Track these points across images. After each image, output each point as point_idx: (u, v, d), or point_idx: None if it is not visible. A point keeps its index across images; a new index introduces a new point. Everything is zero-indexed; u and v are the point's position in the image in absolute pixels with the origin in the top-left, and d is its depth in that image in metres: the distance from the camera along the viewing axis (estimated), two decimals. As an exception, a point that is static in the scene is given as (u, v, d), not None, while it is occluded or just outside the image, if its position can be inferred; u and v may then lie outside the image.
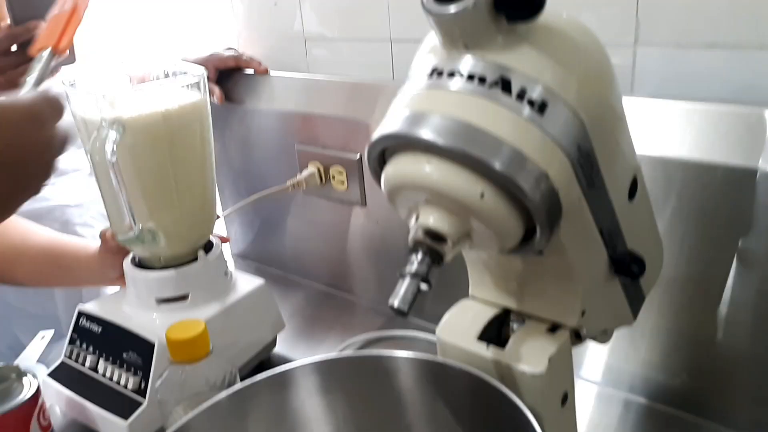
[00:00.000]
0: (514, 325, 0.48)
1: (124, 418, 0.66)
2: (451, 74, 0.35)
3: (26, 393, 0.62)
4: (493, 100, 0.35)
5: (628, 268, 0.44)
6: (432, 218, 0.37)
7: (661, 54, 0.68)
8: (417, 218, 0.38)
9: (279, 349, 0.84)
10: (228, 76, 0.99)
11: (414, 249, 0.39)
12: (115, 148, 0.61)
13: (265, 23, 1.01)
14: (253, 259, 1.10)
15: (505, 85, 0.35)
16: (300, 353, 0.84)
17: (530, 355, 0.44)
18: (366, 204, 0.90)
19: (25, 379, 0.64)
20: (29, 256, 0.81)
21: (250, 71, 0.99)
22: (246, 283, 0.79)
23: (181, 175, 0.69)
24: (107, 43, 1.13)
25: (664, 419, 0.70)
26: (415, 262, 0.39)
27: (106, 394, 0.69)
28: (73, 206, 1.04)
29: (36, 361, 0.82)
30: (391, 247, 0.90)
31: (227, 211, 0.89)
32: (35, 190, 0.45)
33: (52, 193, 1.03)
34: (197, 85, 0.68)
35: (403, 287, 0.38)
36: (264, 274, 1.02)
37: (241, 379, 0.50)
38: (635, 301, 0.51)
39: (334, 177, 0.90)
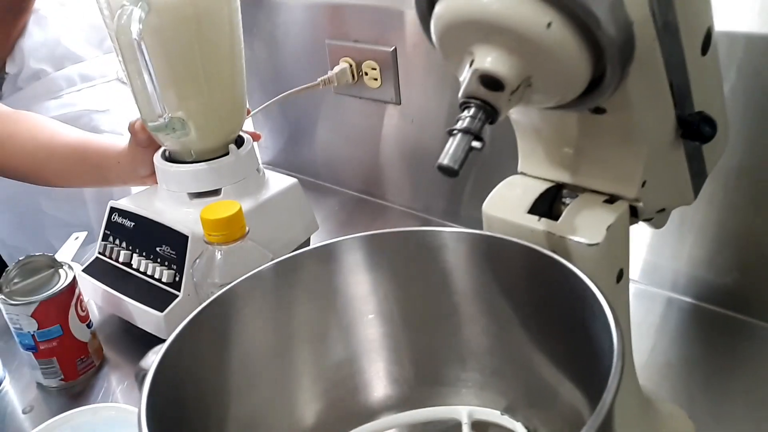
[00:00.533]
0: (567, 200, 0.45)
1: (160, 310, 0.65)
2: None
3: (64, 281, 0.62)
4: None
5: (698, 130, 0.40)
6: (489, 59, 0.33)
7: None
8: (471, 64, 0.34)
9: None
10: (255, -30, 0.94)
11: (465, 104, 0.36)
12: (140, 28, 0.58)
13: None
14: (283, 166, 1.08)
15: None
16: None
17: (586, 225, 0.41)
18: (400, 102, 0.86)
19: (61, 270, 0.63)
20: (59, 155, 0.79)
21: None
22: (279, 181, 0.76)
23: (209, 61, 0.65)
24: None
25: (709, 318, 0.67)
26: (467, 117, 0.35)
27: (140, 287, 0.68)
28: (101, 112, 1.02)
29: (71, 260, 0.82)
30: (427, 147, 0.87)
31: (257, 109, 0.86)
32: None
33: (79, 99, 1.01)
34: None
35: (454, 144, 0.35)
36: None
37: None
38: (697, 176, 0.47)
39: (366, 73, 0.86)
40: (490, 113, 0.35)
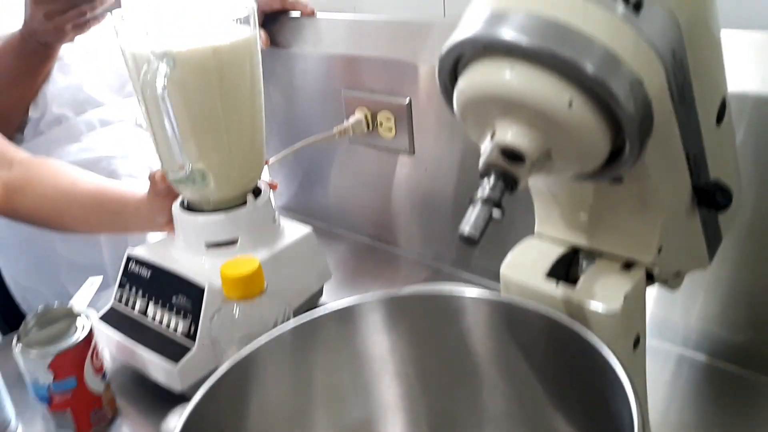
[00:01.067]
0: (584, 264, 0.45)
1: (175, 361, 0.65)
2: (537, -29, 0.32)
3: (80, 333, 0.62)
4: (586, -2, 0.31)
5: (713, 198, 0.41)
6: (510, 133, 0.34)
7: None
8: (492, 136, 0.35)
9: (325, 299, 0.82)
10: (273, 19, 0.97)
11: (486, 173, 0.36)
12: (165, 82, 0.59)
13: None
14: (296, 210, 1.09)
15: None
16: (347, 303, 0.83)
17: (604, 292, 0.41)
18: (414, 152, 0.87)
19: (78, 320, 0.64)
20: (79, 202, 0.80)
21: (296, 14, 0.96)
22: (293, 230, 0.77)
23: (230, 113, 0.67)
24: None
25: (722, 376, 0.67)
26: (487, 186, 0.36)
27: (156, 338, 0.69)
28: (119, 157, 1.04)
29: (86, 306, 0.83)
30: (440, 197, 0.87)
31: (274, 158, 0.88)
32: None
33: (97, 143, 1.03)
34: (247, 19, 0.65)
35: (474, 213, 0.36)
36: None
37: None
38: (713, 241, 0.48)
39: (381, 123, 0.88)
40: (510, 183, 0.36)
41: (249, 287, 0.54)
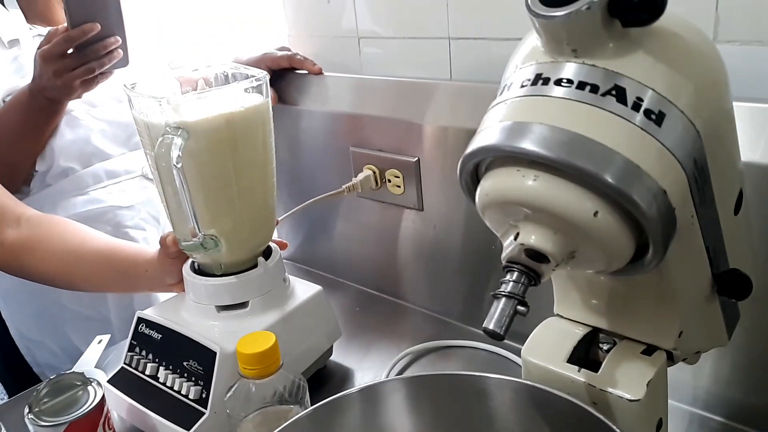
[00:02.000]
0: (604, 346, 0.46)
1: (187, 429, 0.65)
2: (558, 82, 0.33)
3: (92, 400, 0.62)
4: (604, 109, 0.32)
5: (733, 288, 0.41)
6: (534, 237, 0.35)
7: (741, 51, 0.64)
8: (516, 236, 0.36)
9: (334, 357, 0.82)
10: (281, 77, 0.98)
11: (508, 267, 0.37)
12: (180, 154, 0.60)
13: (318, 21, 1.00)
14: (302, 262, 1.09)
15: (620, 93, 0.32)
16: (356, 362, 0.83)
17: (627, 379, 0.42)
18: (423, 208, 0.88)
19: (89, 387, 0.63)
20: (87, 261, 0.80)
21: (303, 71, 0.97)
22: (304, 289, 0.77)
23: (243, 180, 0.67)
24: (157, 45, 1.12)
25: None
26: (511, 282, 0.36)
27: (167, 403, 0.68)
28: (125, 208, 1.04)
29: (94, 365, 0.82)
30: (449, 253, 0.88)
31: (282, 217, 0.88)
32: None
33: (104, 195, 1.03)
34: (259, 88, 0.66)
35: (499, 309, 0.36)
36: (313, 277, 1.01)
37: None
38: (731, 320, 0.48)
39: (389, 180, 0.88)
40: (532, 278, 0.37)
41: (265, 364, 0.53)
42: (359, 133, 0.91)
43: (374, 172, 0.89)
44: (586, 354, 0.46)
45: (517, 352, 0.79)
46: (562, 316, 0.47)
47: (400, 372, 0.80)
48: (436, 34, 0.86)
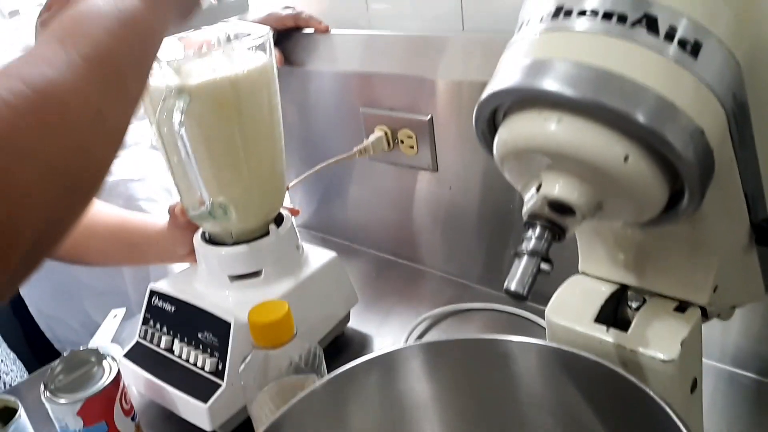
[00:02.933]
0: (633, 304, 0.43)
1: (204, 401, 0.63)
2: (582, 13, 0.30)
3: (108, 376, 0.61)
4: (634, 41, 0.29)
5: (775, 236, 0.38)
6: (558, 186, 0.32)
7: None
8: (539, 188, 0.33)
9: (351, 324, 0.81)
10: (286, 37, 0.94)
11: (530, 223, 0.34)
12: (182, 118, 0.58)
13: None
14: (316, 228, 1.07)
15: (651, 22, 0.29)
16: (374, 328, 0.81)
17: (659, 338, 0.39)
18: (437, 169, 0.85)
19: (105, 363, 0.62)
20: (99, 236, 0.79)
21: (309, 30, 0.94)
22: (318, 256, 0.75)
23: (250, 144, 0.65)
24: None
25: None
26: (533, 238, 0.34)
27: (183, 375, 0.67)
28: (136, 180, 1.02)
29: (110, 341, 0.81)
30: (465, 215, 0.85)
31: (293, 183, 0.86)
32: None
33: (114, 167, 1.01)
34: (263, 46, 0.63)
35: (521, 267, 0.33)
36: (328, 244, 0.99)
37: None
38: (768, 272, 0.45)
39: (402, 141, 0.85)
40: (557, 233, 0.34)
41: (278, 334, 0.52)
42: (369, 93, 0.88)
43: (386, 133, 0.86)
44: (614, 313, 0.43)
45: (540, 314, 0.78)
46: (587, 274, 0.45)
47: (420, 337, 0.78)
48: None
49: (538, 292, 0.79)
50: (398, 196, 0.92)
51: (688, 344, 0.39)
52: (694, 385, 0.41)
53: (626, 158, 0.29)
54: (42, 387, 0.60)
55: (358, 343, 0.79)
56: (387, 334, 0.80)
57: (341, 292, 0.78)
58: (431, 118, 0.81)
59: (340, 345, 0.78)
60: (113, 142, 0.37)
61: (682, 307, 0.41)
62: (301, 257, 0.74)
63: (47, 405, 0.60)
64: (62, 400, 0.58)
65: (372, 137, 0.86)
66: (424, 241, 0.93)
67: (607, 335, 0.40)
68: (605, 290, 0.43)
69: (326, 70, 0.92)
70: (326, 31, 0.92)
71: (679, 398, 0.39)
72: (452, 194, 0.86)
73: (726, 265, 0.39)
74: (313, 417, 0.41)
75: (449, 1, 0.81)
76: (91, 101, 0.33)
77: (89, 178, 0.35)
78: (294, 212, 0.76)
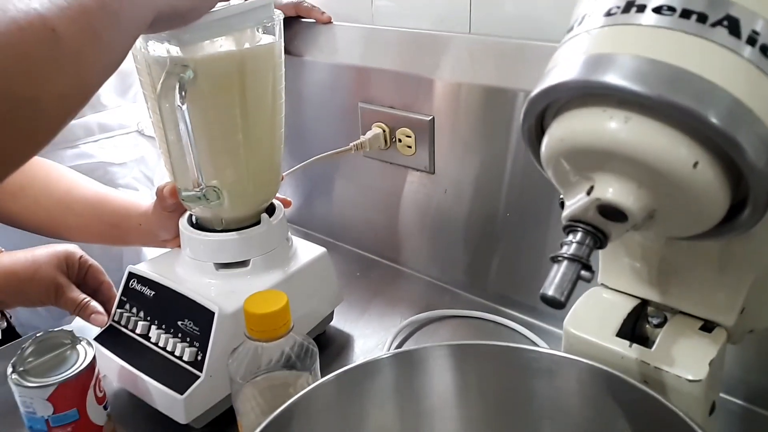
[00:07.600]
0: (654, 320, 0.42)
1: (180, 392, 0.60)
2: (658, 10, 0.28)
3: (82, 361, 0.57)
4: (713, 41, 0.27)
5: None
6: (612, 190, 0.30)
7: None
8: (590, 190, 0.31)
9: (334, 323, 0.78)
10: (286, 26, 0.90)
11: (571, 227, 0.32)
12: (184, 93, 0.54)
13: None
14: (300, 224, 1.04)
15: (733, 24, 0.27)
16: (359, 329, 0.79)
17: (686, 358, 0.38)
18: (434, 171, 0.83)
19: (79, 346, 0.58)
20: (76, 211, 0.75)
21: (310, 21, 0.91)
22: (307, 250, 0.73)
23: (250, 128, 0.62)
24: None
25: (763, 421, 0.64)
26: (574, 243, 0.32)
27: (158, 364, 0.63)
28: (117, 165, 0.98)
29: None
30: (457, 220, 0.83)
31: (287, 172, 0.83)
32: None
33: (95, 150, 0.97)
34: (271, 29, 0.61)
35: (560, 273, 0.31)
36: (311, 239, 0.96)
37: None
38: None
39: (400, 140, 0.83)
40: (599, 240, 0.32)
41: (275, 325, 0.49)
42: (369, 88, 0.85)
43: (384, 131, 0.84)
44: (632, 328, 0.42)
45: (523, 323, 0.76)
46: (607, 286, 0.43)
47: (404, 340, 0.76)
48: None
49: (518, 302, 0.78)
50: (390, 196, 0.90)
51: (715, 365, 0.37)
52: (713, 408, 0.40)
53: (695, 164, 0.28)
54: (10, 368, 0.56)
55: (340, 343, 0.77)
56: (369, 335, 0.78)
57: (328, 289, 0.75)
58: (432, 119, 0.80)
59: (322, 343, 0.76)
60: (69, 75, 0.33)
61: (707, 327, 0.40)
62: (291, 250, 0.71)
63: (13, 388, 0.55)
64: (32, 384, 0.54)
65: (369, 134, 0.84)
66: (411, 244, 0.91)
67: (629, 351, 0.39)
68: (627, 304, 0.41)
69: (325, 61, 0.89)
70: (328, 21, 0.89)
71: (699, 420, 0.38)
72: (446, 198, 0.84)
73: (759, 285, 0.38)
74: (320, 411, 0.38)
75: (457, 3, 0.80)
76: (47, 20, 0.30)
77: (32, 109, 0.31)
78: (286, 203, 0.73)
